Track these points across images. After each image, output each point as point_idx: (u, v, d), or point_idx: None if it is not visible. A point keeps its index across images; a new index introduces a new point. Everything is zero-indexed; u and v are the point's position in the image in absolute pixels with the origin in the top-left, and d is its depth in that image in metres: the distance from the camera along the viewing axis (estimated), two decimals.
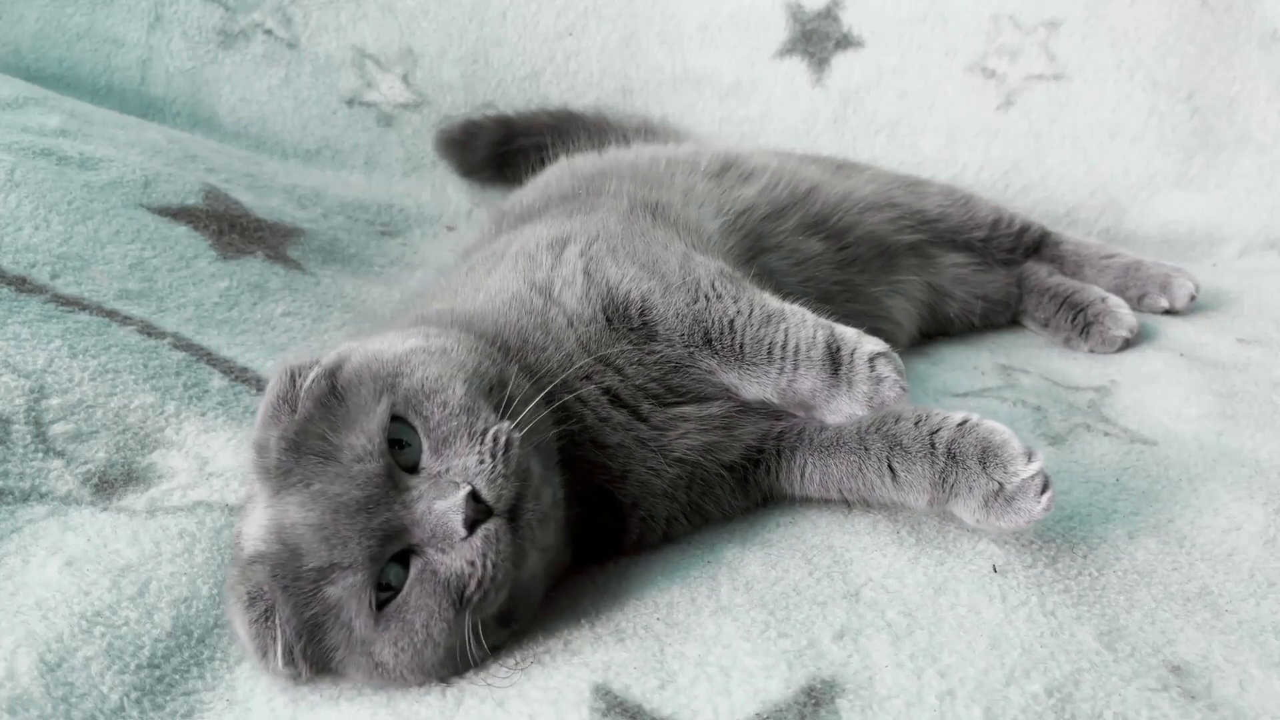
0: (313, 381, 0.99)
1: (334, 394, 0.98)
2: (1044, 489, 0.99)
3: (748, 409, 1.21)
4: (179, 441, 1.26)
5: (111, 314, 1.39)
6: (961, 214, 1.91)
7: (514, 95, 2.57)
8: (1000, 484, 1.01)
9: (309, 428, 0.96)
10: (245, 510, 1.02)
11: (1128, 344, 1.74)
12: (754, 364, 1.16)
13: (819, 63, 2.53)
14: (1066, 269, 1.96)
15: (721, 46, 2.56)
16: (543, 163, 1.91)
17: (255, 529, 0.95)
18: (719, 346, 1.18)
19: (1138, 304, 1.88)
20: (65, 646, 0.94)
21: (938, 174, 2.28)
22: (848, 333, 1.15)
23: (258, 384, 1.38)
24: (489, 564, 0.89)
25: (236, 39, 2.53)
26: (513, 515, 0.92)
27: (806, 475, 1.17)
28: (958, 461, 1.04)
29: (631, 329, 1.19)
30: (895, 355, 1.12)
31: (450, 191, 2.49)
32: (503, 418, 0.95)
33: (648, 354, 1.18)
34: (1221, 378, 1.57)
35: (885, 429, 1.10)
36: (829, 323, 1.17)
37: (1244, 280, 2.09)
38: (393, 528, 0.90)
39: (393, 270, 2.01)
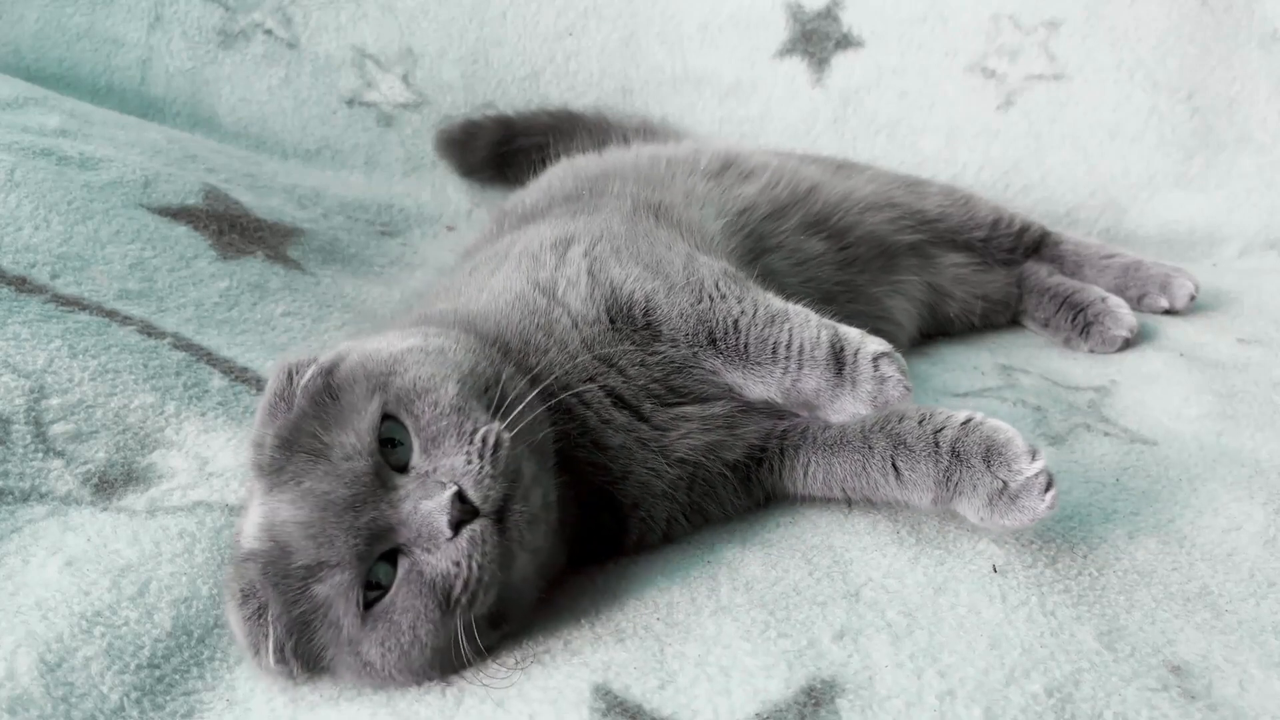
0: (309, 379, 1.00)
1: (329, 392, 0.98)
2: (1048, 487, 1.00)
3: (751, 408, 1.21)
4: (179, 441, 1.26)
5: (111, 314, 1.39)
6: (961, 214, 1.91)
7: (514, 95, 2.57)
8: (1004, 482, 1.01)
9: (302, 425, 0.96)
10: (245, 508, 1.02)
11: (1128, 344, 1.74)
12: (758, 364, 1.16)
13: (819, 63, 2.53)
14: (1066, 269, 1.96)
15: (721, 46, 2.56)
16: (543, 163, 1.91)
17: (250, 526, 0.96)
18: (723, 346, 1.18)
19: (1138, 304, 1.88)
20: (65, 646, 0.94)
21: (938, 174, 2.28)
22: (851, 333, 1.15)
23: (258, 384, 1.38)
24: (474, 565, 0.88)
25: (236, 39, 2.53)
26: (500, 516, 0.91)
27: (810, 474, 1.17)
28: (962, 460, 1.04)
29: (635, 329, 1.19)
30: (899, 355, 1.13)
31: (450, 191, 2.49)
32: (497, 419, 0.95)
33: (651, 354, 1.18)
34: (1221, 378, 1.57)
35: (889, 427, 1.10)
36: (832, 323, 1.17)
37: (1244, 280, 2.09)
38: (380, 527, 0.90)
39: (393, 270, 2.01)
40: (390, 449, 0.94)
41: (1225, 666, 0.89)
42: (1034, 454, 1.01)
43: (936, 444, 1.06)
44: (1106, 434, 1.38)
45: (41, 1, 2.45)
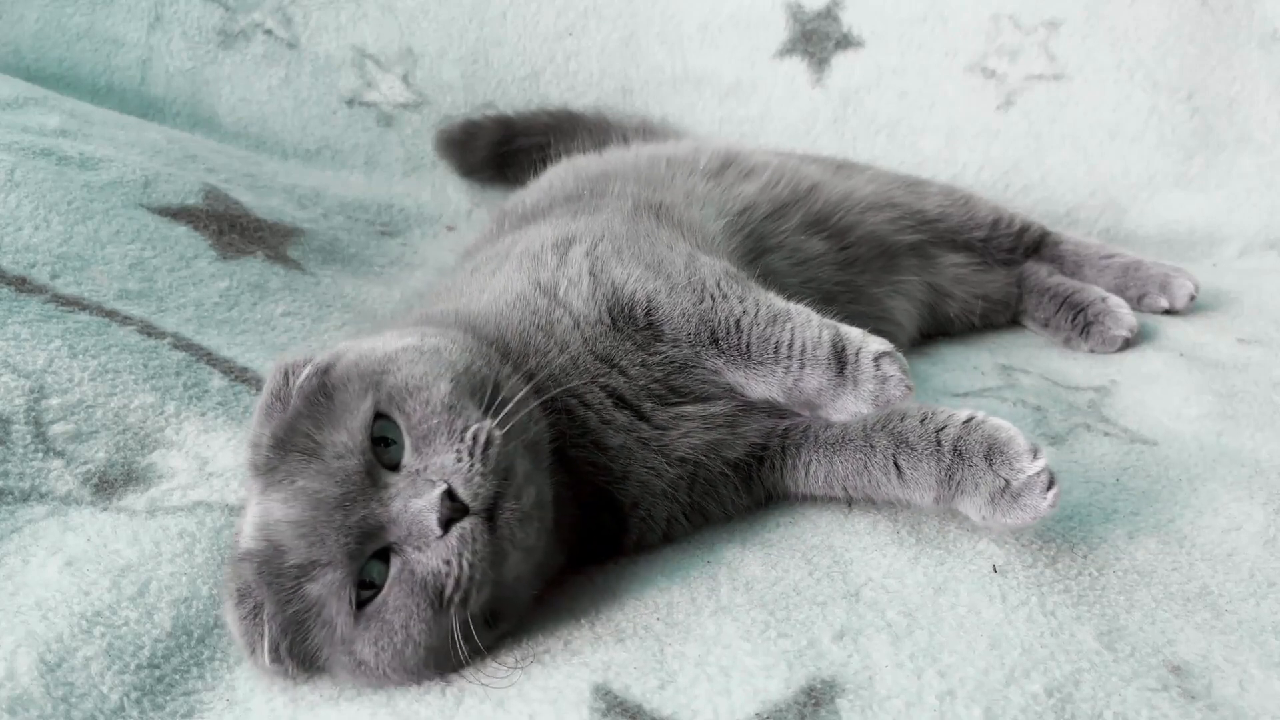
0: (305, 379, 1.00)
1: (323, 391, 0.98)
2: (1049, 485, 1.00)
3: (752, 407, 1.21)
4: (179, 441, 1.26)
5: (111, 314, 1.39)
6: (961, 214, 1.91)
7: (514, 95, 2.57)
8: (1006, 481, 1.01)
9: (296, 425, 0.96)
10: (244, 508, 1.02)
11: (1128, 344, 1.74)
12: (760, 363, 1.16)
13: (819, 63, 2.53)
14: (1066, 269, 1.96)
15: (721, 46, 2.56)
16: (543, 163, 1.91)
17: (247, 527, 0.96)
18: (725, 346, 1.18)
19: (1138, 304, 1.88)
20: (65, 646, 0.94)
21: (938, 174, 2.29)
22: (853, 332, 1.15)
23: (258, 384, 1.38)
24: (465, 563, 0.88)
25: (236, 39, 2.53)
26: (490, 514, 0.91)
27: (811, 472, 1.17)
28: (964, 458, 1.04)
29: (637, 329, 1.19)
30: (900, 355, 1.13)
31: (450, 191, 2.49)
32: (491, 417, 0.95)
33: (652, 354, 1.18)
34: (1221, 378, 1.57)
35: (891, 426, 1.10)
36: (834, 322, 1.17)
37: (1244, 280, 2.09)
38: (370, 525, 0.90)
39: (393, 270, 2.01)
40: (384, 448, 0.94)
41: (1225, 666, 0.89)
42: (1035, 452, 1.01)
43: (938, 442, 1.06)
44: (1106, 434, 1.38)
45: (41, 1, 2.45)
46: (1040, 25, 2.43)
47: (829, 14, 2.52)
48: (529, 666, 0.93)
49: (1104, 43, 2.40)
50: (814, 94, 2.53)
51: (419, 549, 0.89)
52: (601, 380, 1.14)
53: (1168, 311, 1.89)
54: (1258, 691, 0.86)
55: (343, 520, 0.89)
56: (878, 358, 1.12)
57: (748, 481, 1.20)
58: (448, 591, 0.88)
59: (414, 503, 0.89)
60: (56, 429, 1.20)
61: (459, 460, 0.90)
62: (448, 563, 0.88)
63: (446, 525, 0.88)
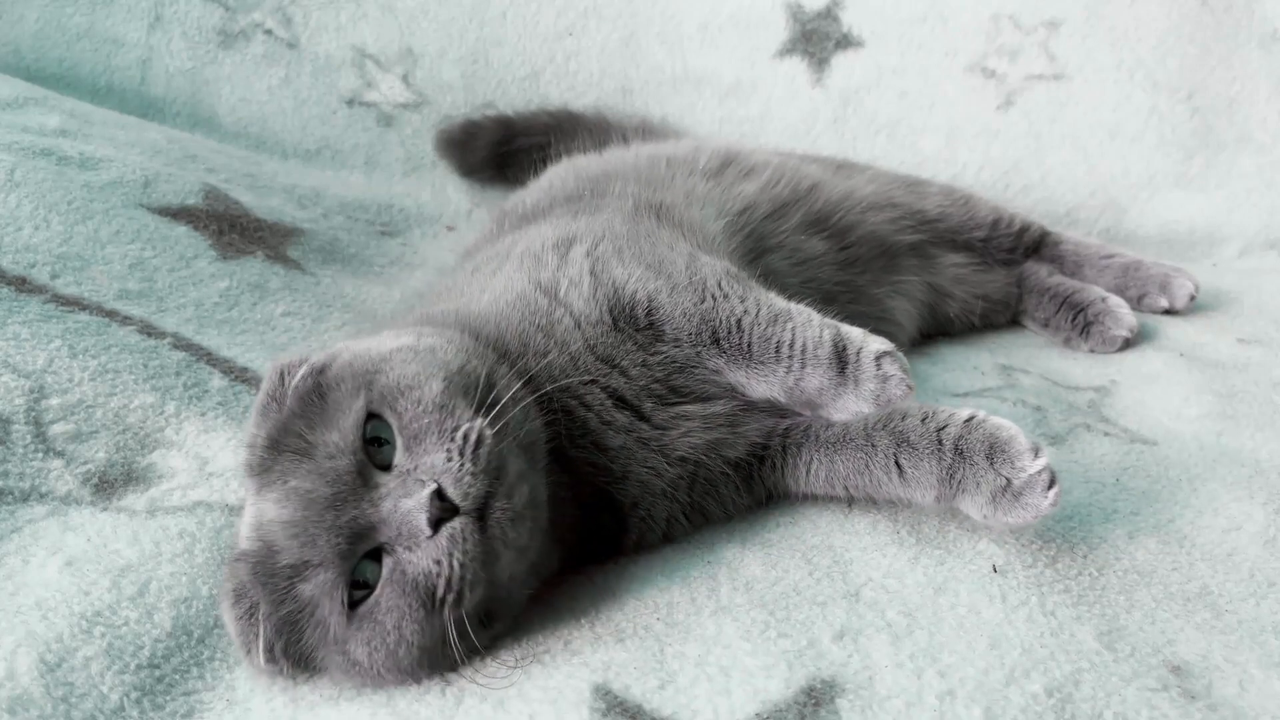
0: (300, 379, 1.00)
1: (318, 391, 0.98)
2: (1051, 484, 1.00)
3: (752, 406, 1.21)
4: (179, 441, 1.26)
5: (111, 314, 1.39)
6: (961, 214, 1.91)
7: (514, 95, 2.57)
8: (1008, 479, 1.01)
9: (290, 425, 0.96)
10: (243, 509, 1.02)
11: (1128, 344, 1.74)
12: (761, 363, 1.16)
13: (819, 63, 2.53)
14: (1066, 269, 1.96)
15: (721, 46, 2.56)
16: (543, 163, 1.91)
17: (243, 527, 0.96)
18: (726, 346, 1.18)
19: (1138, 304, 1.88)
20: (65, 646, 0.94)
21: (938, 174, 2.29)
22: (854, 332, 1.15)
23: (258, 384, 1.37)
24: (455, 564, 0.88)
25: (236, 39, 2.53)
26: (481, 514, 0.90)
27: (812, 471, 1.17)
28: (965, 457, 1.04)
29: (638, 329, 1.19)
30: (901, 354, 1.13)
31: (450, 191, 2.49)
32: (485, 417, 0.94)
33: (653, 354, 1.18)
34: (1221, 378, 1.57)
35: (892, 425, 1.10)
36: (835, 322, 1.17)
37: (1244, 280, 2.09)
38: (361, 525, 0.90)
39: (393, 270, 2.01)
40: (376, 448, 0.94)
41: (1225, 666, 0.89)
42: (1037, 451, 1.01)
43: (940, 441, 1.06)
44: (1106, 434, 1.38)
45: (41, 1, 2.45)
46: (1040, 25, 2.43)
47: (829, 14, 2.52)
48: (529, 666, 0.93)
49: (1104, 43, 2.40)
50: (814, 94, 2.53)
51: (410, 549, 0.89)
52: (602, 381, 1.14)
53: (1168, 311, 1.89)
54: (1258, 691, 0.86)
55: (334, 521, 0.89)
56: (879, 357, 1.12)
57: (748, 481, 1.20)
58: (439, 592, 0.88)
59: (404, 503, 0.89)
60: (56, 429, 1.20)
61: (449, 460, 0.90)
62: (438, 563, 0.88)
63: (436, 525, 0.88)
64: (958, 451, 1.05)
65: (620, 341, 1.17)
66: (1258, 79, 2.36)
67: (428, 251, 2.17)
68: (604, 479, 1.11)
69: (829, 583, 1.02)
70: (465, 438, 0.91)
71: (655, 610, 1.00)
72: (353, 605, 0.90)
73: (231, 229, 1.76)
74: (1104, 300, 1.79)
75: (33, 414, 1.20)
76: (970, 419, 1.07)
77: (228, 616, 0.95)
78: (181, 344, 1.40)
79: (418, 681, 0.93)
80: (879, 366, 1.11)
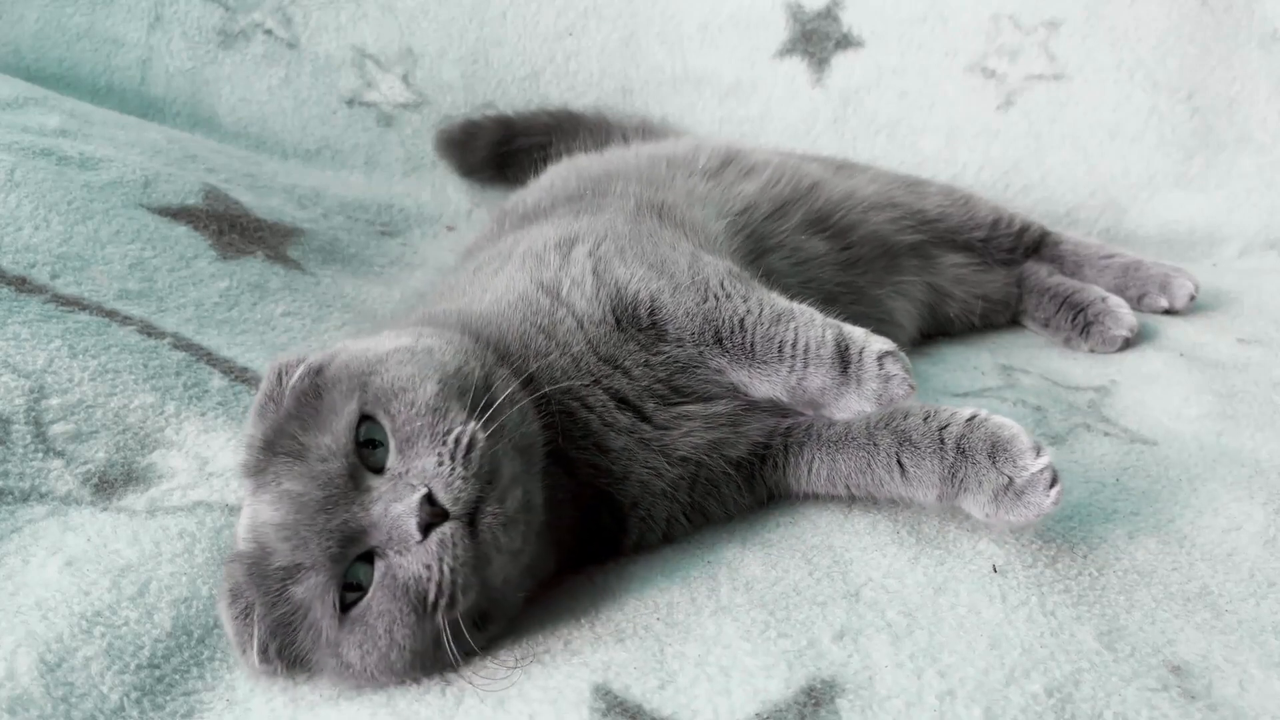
0: (297, 379, 1.00)
1: (314, 392, 0.98)
2: (1053, 483, 1.00)
3: (754, 406, 1.21)
4: (179, 441, 1.26)
5: (111, 314, 1.39)
6: (961, 214, 1.91)
7: (514, 95, 2.57)
8: (1010, 478, 1.01)
9: (285, 427, 0.96)
10: (242, 509, 1.03)
11: (1128, 344, 1.74)
12: (764, 362, 1.16)
13: (819, 63, 2.53)
14: (1066, 269, 1.96)
15: (721, 46, 2.56)
16: (543, 163, 1.91)
17: (240, 528, 0.96)
18: (729, 345, 1.18)
19: (1138, 304, 1.88)
20: (65, 646, 0.94)
21: (938, 174, 2.29)
22: (856, 332, 1.15)
23: (257, 384, 1.37)
24: (445, 568, 0.88)
25: (236, 39, 2.53)
26: (471, 519, 0.90)
27: (814, 471, 1.17)
28: (967, 456, 1.04)
29: (640, 329, 1.19)
30: (903, 354, 1.13)
31: (450, 191, 2.49)
32: (481, 419, 0.94)
33: (655, 354, 1.18)
34: (1221, 378, 1.57)
35: (894, 424, 1.10)
36: (837, 322, 1.17)
37: (1244, 280, 2.09)
38: (352, 529, 0.90)
39: (393, 270, 2.01)
40: (370, 450, 0.94)
41: (1225, 666, 0.89)
42: (1039, 450, 1.01)
43: (942, 440, 1.06)
44: (1106, 434, 1.38)
45: (41, 1, 2.45)
46: (1040, 25, 2.43)
47: (829, 14, 2.52)
48: (529, 666, 0.93)
49: (1104, 43, 2.40)
50: (814, 94, 2.53)
51: (401, 553, 0.89)
52: (605, 381, 1.14)
53: (1168, 311, 1.89)
54: (1258, 691, 0.86)
55: (325, 524, 0.89)
56: (881, 357, 1.12)
57: (750, 480, 1.20)
58: (430, 596, 0.88)
59: (394, 507, 0.89)
60: (56, 429, 1.20)
61: (440, 464, 0.90)
62: (428, 567, 0.88)
63: (426, 530, 0.87)
64: (960, 450, 1.05)
65: (623, 341, 1.17)
66: (1258, 79, 2.36)
67: (428, 251, 2.17)
68: (604, 480, 1.11)
69: (829, 583, 1.02)
70: (457, 441, 0.91)
71: (655, 610, 1.00)
72: (345, 608, 0.90)
73: (231, 229, 1.76)
74: (1104, 300, 1.79)
75: (33, 414, 1.20)
76: (972, 418, 1.07)
77: (225, 616, 0.95)
78: (181, 344, 1.40)
79: (416, 682, 0.93)
80: (881, 366, 1.11)
